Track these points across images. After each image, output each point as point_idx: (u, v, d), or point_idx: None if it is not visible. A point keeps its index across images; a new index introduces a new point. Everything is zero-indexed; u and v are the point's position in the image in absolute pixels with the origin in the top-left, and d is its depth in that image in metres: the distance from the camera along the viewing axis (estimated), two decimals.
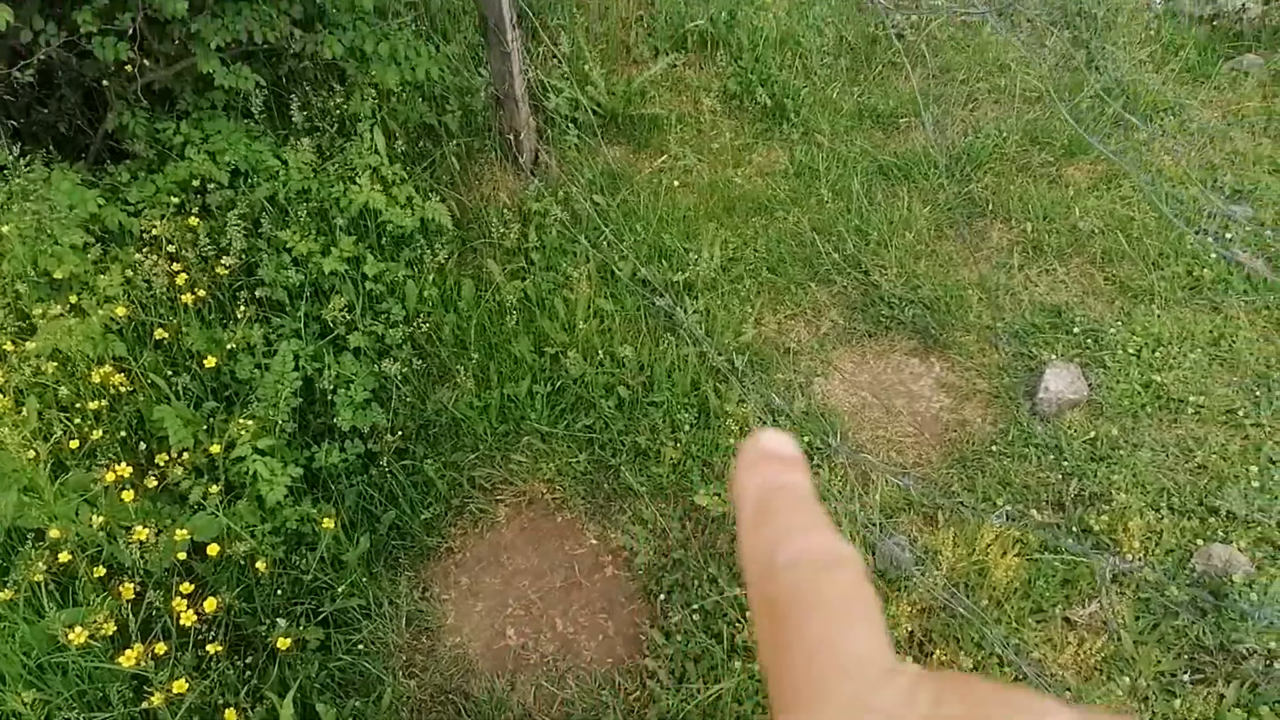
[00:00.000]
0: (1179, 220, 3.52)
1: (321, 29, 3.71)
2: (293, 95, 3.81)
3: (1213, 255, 3.48)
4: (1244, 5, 4.57)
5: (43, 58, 3.20)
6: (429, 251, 3.64)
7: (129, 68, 3.28)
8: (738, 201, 4.01)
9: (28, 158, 3.26)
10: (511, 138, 3.92)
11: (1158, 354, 3.21)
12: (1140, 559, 2.64)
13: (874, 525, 2.68)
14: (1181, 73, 4.43)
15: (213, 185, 3.47)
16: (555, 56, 4.26)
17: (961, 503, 2.79)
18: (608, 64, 4.42)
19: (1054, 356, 3.25)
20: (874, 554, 2.71)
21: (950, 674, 0.28)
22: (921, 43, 4.48)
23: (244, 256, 3.39)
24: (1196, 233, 3.59)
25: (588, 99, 4.23)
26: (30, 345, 2.75)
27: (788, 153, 4.23)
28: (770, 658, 0.30)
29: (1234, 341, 3.21)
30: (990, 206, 3.90)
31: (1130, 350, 3.23)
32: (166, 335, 3.09)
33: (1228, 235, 3.57)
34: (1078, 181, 3.94)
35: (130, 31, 3.21)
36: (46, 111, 3.73)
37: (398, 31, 3.79)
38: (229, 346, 3.12)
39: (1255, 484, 2.78)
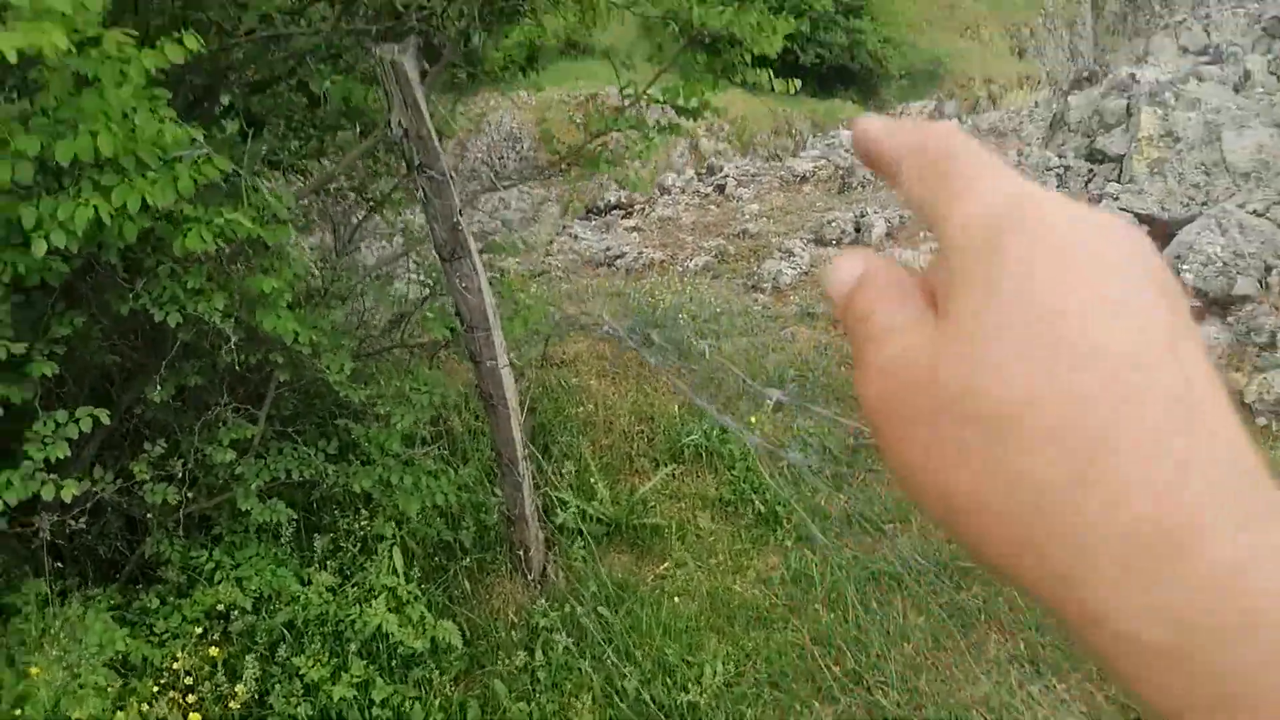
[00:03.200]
0: None
1: (354, 460, 4.10)
2: (322, 517, 4.11)
3: None
4: None
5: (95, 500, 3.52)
6: (437, 672, 3.72)
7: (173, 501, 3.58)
8: (738, 611, 4.15)
9: (64, 593, 3.47)
10: (521, 553, 4.16)
11: None
12: None
13: None
14: None
15: (236, 612, 3.64)
16: (563, 473, 4.63)
17: None
18: (612, 475, 4.79)
19: None
20: None
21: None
22: None
23: (258, 684, 3.47)
24: None
25: (594, 510, 4.54)
26: None
27: (783, 559, 4.44)
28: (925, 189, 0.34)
29: None
30: (983, 616, 4.02)
31: None
32: None
33: None
34: None
35: (180, 476, 3.56)
36: (90, 537, 4.00)
37: (423, 458, 4.18)
38: None
39: None
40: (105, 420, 3.09)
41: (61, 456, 2.97)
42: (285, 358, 3.66)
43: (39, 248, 2.41)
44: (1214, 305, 5.61)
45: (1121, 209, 5.86)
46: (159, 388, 3.37)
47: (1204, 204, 5.98)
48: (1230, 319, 5.59)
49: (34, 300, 3.13)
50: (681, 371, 5.47)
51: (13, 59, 1.78)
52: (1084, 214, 0.32)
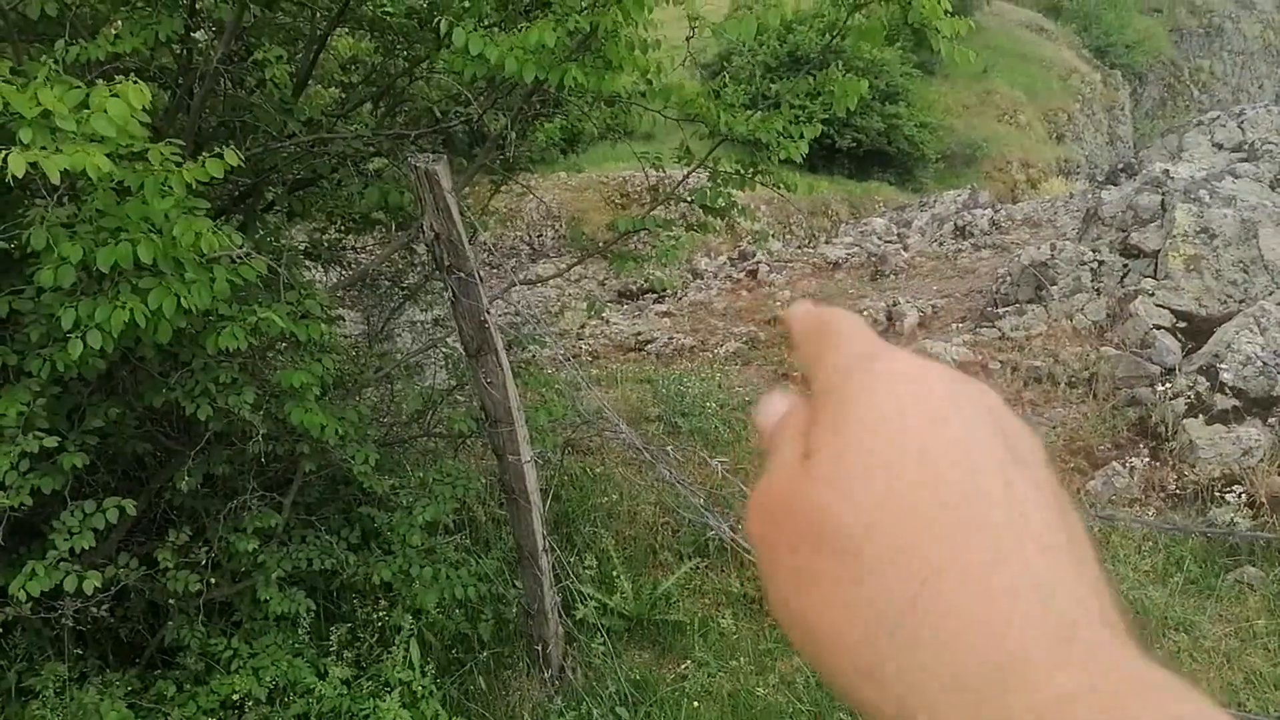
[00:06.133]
0: None
1: (375, 549, 4.10)
2: (341, 605, 4.10)
3: None
4: (1233, 520, 4.88)
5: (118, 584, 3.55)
6: None
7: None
8: (760, 716, 4.04)
9: (84, 675, 3.48)
10: (540, 648, 4.10)
11: None
12: None
13: None
14: (1186, 585, 4.61)
15: (250, 703, 3.62)
16: (585, 566, 4.59)
17: None
18: (635, 568, 4.74)
19: None
20: None
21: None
22: None
23: None
24: None
25: (615, 604, 4.47)
26: None
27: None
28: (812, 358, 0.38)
29: None
30: None
31: None
32: None
33: None
34: None
35: (203, 563, 3.58)
36: (112, 620, 4.02)
37: (444, 546, 4.17)
38: None
39: None
40: (131, 511, 3.13)
41: (87, 547, 3.01)
42: (312, 447, 3.71)
43: (75, 348, 2.49)
44: (1254, 406, 5.48)
45: (1158, 305, 5.79)
46: (187, 477, 3.42)
47: (1242, 301, 5.89)
48: (1271, 420, 5.45)
49: (71, 389, 3.21)
50: (708, 461, 5.44)
51: (56, 180, 1.86)
52: (925, 366, 0.34)
